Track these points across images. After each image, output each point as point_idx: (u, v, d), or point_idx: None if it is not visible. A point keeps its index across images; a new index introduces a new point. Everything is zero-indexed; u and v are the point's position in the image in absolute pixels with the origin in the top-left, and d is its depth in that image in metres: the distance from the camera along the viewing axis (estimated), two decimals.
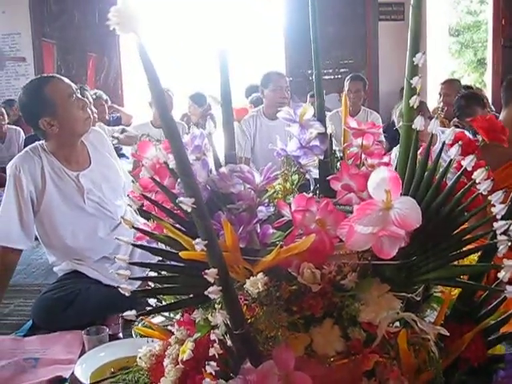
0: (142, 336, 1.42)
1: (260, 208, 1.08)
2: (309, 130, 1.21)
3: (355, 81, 5.42)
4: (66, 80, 2.43)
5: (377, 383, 0.97)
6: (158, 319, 1.42)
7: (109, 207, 2.53)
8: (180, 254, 0.98)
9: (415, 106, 1.05)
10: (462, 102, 4.22)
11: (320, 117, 1.25)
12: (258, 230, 1.06)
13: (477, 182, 0.98)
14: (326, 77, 7.21)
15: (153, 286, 1.20)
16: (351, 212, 0.98)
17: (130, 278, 1.02)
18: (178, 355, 1.09)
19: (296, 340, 0.97)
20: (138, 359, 1.24)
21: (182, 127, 5.08)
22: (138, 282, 1.76)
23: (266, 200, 1.13)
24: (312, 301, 0.96)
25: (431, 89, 6.66)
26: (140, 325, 1.48)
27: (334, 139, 1.30)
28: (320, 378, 0.94)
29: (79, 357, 1.88)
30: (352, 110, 5.18)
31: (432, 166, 1.06)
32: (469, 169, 1.00)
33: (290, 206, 1.03)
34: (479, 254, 1.12)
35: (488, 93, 6.74)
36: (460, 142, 1.02)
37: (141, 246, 1.11)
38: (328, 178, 1.13)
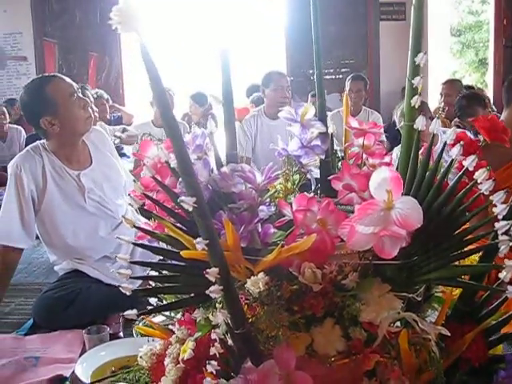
0: (142, 335, 1.42)
1: (261, 207, 1.08)
2: (310, 129, 1.21)
3: (356, 81, 5.42)
4: (68, 79, 2.43)
5: (378, 383, 0.97)
6: (158, 318, 1.42)
7: (110, 206, 2.54)
8: (181, 253, 0.98)
9: (417, 106, 1.05)
10: (464, 102, 4.21)
11: (321, 116, 1.25)
12: (259, 230, 1.06)
13: (478, 182, 0.98)
14: (327, 76, 7.21)
15: (154, 285, 1.20)
16: (352, 212, 0.98)
17: (130, 277, 1.02)
18: (179, 354, 1.09)
19: (297, 340, 0.97)
20: (138, 358, 1.24)
21: (183, 127, 5.08)
22: (139, 282, 1.77)
23: (267, 199, 1.13)
24: (313, 300, 0.96)
25: (432, 89, 6.67)
26: (141, 324, 1.48)
27: (335, 139, 1.30)
28: (321, 378, 0.94)
29: (80, 356, 1.88)
30: (353, 110, 5.18)
31: (433, 165, 1.06)
32: (470, 169, 1.00)
33: (291, 206, 1.03)
34: (480, 254, 1.12)
35: (489, 93, 6.74)
36: (461, 142, 1.02)
37: (142, 245, 1.11)
38: (329, 178, 1.13)
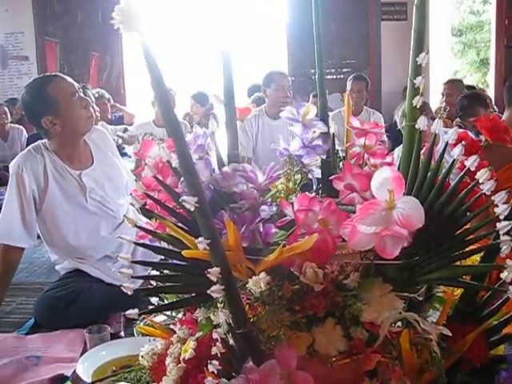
0: (143, 335, 1.42)
1: (263, 207, 1.08)
2: (311, 129, 1.21)
3: (358, 80, 5.42)
4: (69, 79, 2.43)
5: (379, 383, 0.97)
6: (159, 318, 1.42)
7: (111, 206, 2.54)
8: (183, 252, 0.98)
9: (418, 106, 1.05)
10: (465, 102, 4.22)
11: (323, 116, 1.25)
12: (261, 230, 1.06)
13: (480, 182, 0.97)
14: (329, 76, 7.21)
15: (155, 284, 1.20)
16: (354, 212, 0.98)
17: (132, 277, 1.02)
18: (180, 354, 1.09)
19: (298, 339, 0.97)
20: (140, 358, 1.24)
21: (184, 126, 5.08)
22: (140, 281, 1.76)
23: (269, 199, 1.13)
24: (314, 300, 0.96)
25: (434, 89, 6.67)
26: (142, 323, 1.48)
27: (336, 139, 1.30)
28: (322, 378, 0.94)
29: (81, 355, 1.88)
30: (354, 110, 5.18)
31: (435, 165, 1.06)
32: (472, 169, 0.99)
33: (293, 206, 1.03)
34: (482, 254, 1.12)
35: (491, 93, 6.74)
36: (463, 142, 1.02)
37: (143, 245, 1.11)
38: (331, 178, 1.13)
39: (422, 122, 1.04)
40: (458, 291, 1.16)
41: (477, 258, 1.14)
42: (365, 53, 7.51)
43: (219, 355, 0.98)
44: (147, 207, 1.14)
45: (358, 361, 0.96)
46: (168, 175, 1.13)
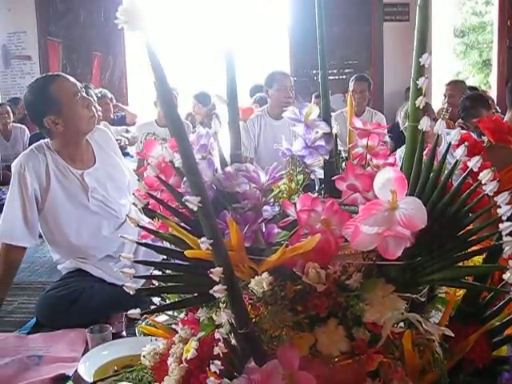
0: (145, 334, 1.42)
1: (265, 207, 1.08)
2: (314, 129, 1.21)
3: (360, 81, 5.42)
4: (72, 79, 2.43)
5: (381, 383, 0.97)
6: (161, 318, 1.42)
7: (113, 206, 2.54)
8: (185, 252, 0.98)
9: (421, 107, 1.05)
10: (467, 103, 4.21)
11: (325, 117, 1.25)
12: (264, 230, 1.06)
13: (483, 182, 0.97)
14: (331, 77, 7.21)
15: (157, 284, 1.20)
16: (356, 212, 0.98)
17: (134, 277, 1.02)
18: (182, 354, 1.09)
19: (300, 340, 0.96)
20: (141, 358, 1.24)
21: (186, 127, 5.08)
22: (142, 281, 1.77)
23: (272, 199, 1.13)
24: (317, 300, 0.96)
25: (436, 90, 6.66)
26: (144, 323, 1.48)
27: (338, 139, 1.30)
28: (324, 378, 0.93)
29: (83, 355, 1.88)
30: (357, 111, 5.17)
31: (438, 166, 1.06)
32: (475, 170, 0.99)
33: (295, 206, 1.03)
34: (484, 255, 1.12)
35: (493, 94, 6.74)
36: (466, 143, 1.02)
37: (146, 245, 1.11)
38: (333, 178, 1.13)
39: (424, 123, 1.04)
40: (461, 292, 1.16)
41: (479, 258, 1.14)
42: (367, 53, 7.51)
43: (221, 355, 0.98)
44: (150, 207, 1.14)
45: (360, 361, 0.96)
46: (171, 175, 1.13)
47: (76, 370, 1.76)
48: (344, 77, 7.13)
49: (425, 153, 1.09)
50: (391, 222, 0.90)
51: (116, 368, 1.64)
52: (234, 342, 0.98)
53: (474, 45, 11.49)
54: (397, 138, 4.13)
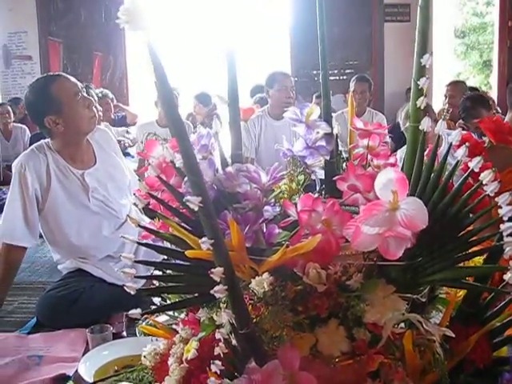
0: (145, 335, 1.42)
1: (266, 208, 1.08)
2: (315, 130, 1.21)
3: (361, 82, 5.42)
4: (72, 78, 2.43)
5: None
6: (162, 318, 1.42)
7: (114, 206, 2.54)
8: (186, 252, 0.98)
9: (422, 107, 1.05)
10: (468, 103, 4.21)
11: (326, 117, 1.25)
12: (264, 230, 1.06)
13: (484, 183, 0.97)
14: (332, 77, 7.20)
15: (157, 284, 1.20)
16: (357, 212, 0.98)
17: (134, 277, 1.02)
18: (183, 354, 1.09)
19: (301, 340, 0.96)
20: (142, 358, 1.24)
21: (187, 127, 5.08)
22: (143, 281, 1.77)
23: (272, 200, 1.13)
24: (317, 301, 0.96)
25: (436, 90, 6.66)
26: (144, 323, 1.48)
27: (339, 140, 1.30)
28: (325, 379, 0.93)
29: (83, 355, 1.88)
30: (357, 111, 5.17)
31: (438, 167, 1.06)
32: (476, 170, 0.99)
33: (296, 206, 1.03)
34: (485, 255, 1.12)
35: (494, 95, 6.73)
36: (467, 144, 1.02)
37: (146, 245, 1.11)
38: (334, 179, 1.13)
39: (425, 123, 1.04)
40: (461, 292, 1.16)
41: (480, 259, 1.14)
42: (368, 54, 7.51)
43: (222, 355, 0.98)
44: (150, 207, 1.14)
45: (360, 362, 0.96)
46: (171, 175, 1.13)
47: (76, 370, 1.76)
48: (345, 77, 7.13)
49: (426, 153, 1.09)
50: (392, 223, 0.90)
51: (116, 368, 1.64)
52: (234, 342, 0.98)
53: (475, 45, 11.49)
54: (397, 139, 4.12)
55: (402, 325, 1.02)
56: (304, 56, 7.11)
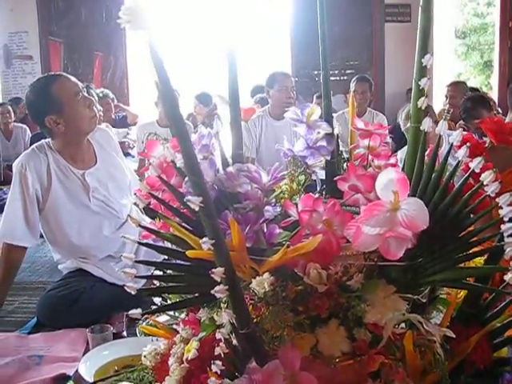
0: (146, 334, 1.42)
1: (267, 208, 1.08)
2: (316, 130, 1.21)
3: (361, 82, 5.42)
4: (73, 78, 2.43)
5: None
6: (162, 318, 1.42)
7: (114, 206, 2.54)
8: (187, 252, 0.98)
9: (423, 108, 1.05)
10: (468, 104, 4.21)
11: (327, 117, 1.25)
12: (265, 230, 1.06)
13: (484, 184, 0.97)
14: (332, 78, 7.19)
15: (158, 284, 1.20)
16: (358, 213, 0.98)
17: (135, 277, 1.02)
18: (183, 354, 1.09)
19: (302, 340, 0.96)
20: (142, 358, 1.24)
21: (188, 127, 5.08)
22: (143, 281, 1.77)
23: (273, 200, 1.13)
24: (318, 301, 0.96)
25: (437, 91, 6.66)
26: (144, 323, 1.48)
27: (340, 140, 1.30)
28: (325, 379, 0.93)
29: (83, 355, 1.88)
30: (358, 112, 5.17)
31: (439, 167, 1.06)
32: (476, 171, 0.99)
33: (297, 206, 1.03)
34: (486, 256, 1.12)
35: (494, 95, 6.73)
36: (468, 144, 1.02)
37: (147, 245, 1.11)
38: (335, 179, 1.13)
39: (426, 124, 1.04)
40: (462, 293, 1.16)
41: (481, 260, 1.14)
42: (368, 54, 7.51)
43: (222, 355, 0.98)
44: (151, 207, 1.14)
45: (361, 362, 0.96)
46: (172, 175, 1.13)
47: (77, 370, 1.76)
48: (345, 77, 7.13)
49: (426, 154, 1.09)
50: (393, 223, 0.90)
51: (117, 368, 1.64)
52: (235, 342, 0.98)
53: (476, 46, 11.49)
54: (398, 139, 4.12)
55: (403, 325, 1.02)
56: (304, 56, 7.11)
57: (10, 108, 6.38)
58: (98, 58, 8.09)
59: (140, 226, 1.09)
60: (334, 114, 4.25)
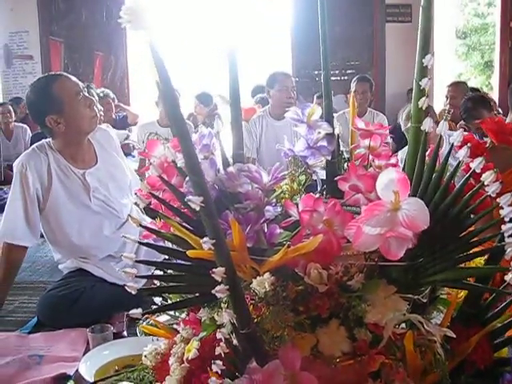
0: (146, 334, 1.42)
1: (267, 208, 1.08)
2: (316, 130, 1.21)
3: (362, 82, 5.42)
4: (74, 78, 2.43)
5: None
6: (163, 318, 1.42)
7: (114, 206, 2.54)
8: (187, 252, 0.98)
9: (424, 108, 1.05)
10: (469, 104, 4.21)
11: (328, 117, 1.24)
12: (266, 230, 1.06)
13: (485, 184, 0.97)
14: (333, 78, 7.19)
15: (158, 284, 1.20)
16: (359, 213, 0.98)
17: (135, 277, 1.02)
18: (184, 354, 1.09)
19: (302, 340, 0.96)
20: (143, 357, 1.24)
21: (188, 127, 5.08)
22: (144, 281, 1.77)
23: (274, 200, 1.13)
24: (318, 301, 0.96)
25: (438, 91, 6.66)
26: (145, 323, 1.48)
27: (341, 140, 1.30)
28: (326, 379, 0.93)
29: (84, 354, 1.88)
30: (358, 112, 5.17)
31: (440, 167, 1.06)
32: (477, 171, 0.99)
33: (298, 206, 1.03)
34: (486, 256, 1.12)
35: (495, 95, 6.73)
36: (469, 144, 1.02)
37: (148, 244, 1.11)
38: (336, 179, 1.13)
39: (427, 124, 1.04)
40: (462, 293, 1.16)
41: (481, 260, 1.14)
42: (369, 54, 7.51)
43: (223, 355, 0.98)
44: (152, 207, 1.14)
45: (361, 362, 0.96)
46: (173, 175, 1.13)
47: (77, 370, 1.76)
48: (346, 78, 7.13)
49: (427, 154, 1.09)
50: (394, 223, 0.90)
51: (117, 368, 1.64)
52: (235, 342, 0.98)
53: (476, 46, 11.49)
54: (399, 140, 4.12)
55: (403, 325, 1.02)
56: (305, 56, 7.11)
57: (10, 108, 6.38)
58: (99, 58, 8.10)
59: (140, 225, 1.09)
60: (335, 114, 4.25)
